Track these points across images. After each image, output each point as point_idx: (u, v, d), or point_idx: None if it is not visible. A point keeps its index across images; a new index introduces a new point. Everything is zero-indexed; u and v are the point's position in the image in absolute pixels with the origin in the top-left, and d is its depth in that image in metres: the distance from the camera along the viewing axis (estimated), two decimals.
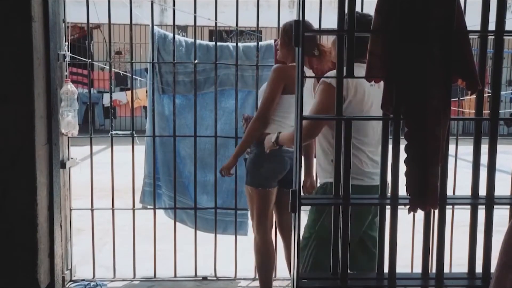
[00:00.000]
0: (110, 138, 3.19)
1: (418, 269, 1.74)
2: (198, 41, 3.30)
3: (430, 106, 1.54)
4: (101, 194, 3.47)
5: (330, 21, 2.33)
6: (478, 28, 1.66)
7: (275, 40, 3.31)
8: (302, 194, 1.67)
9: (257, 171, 2.74)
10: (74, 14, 3.69)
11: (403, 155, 1.60)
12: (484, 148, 1.70)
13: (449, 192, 1.74)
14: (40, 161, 2.72)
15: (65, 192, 3.07)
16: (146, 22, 3.65)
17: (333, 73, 2.17)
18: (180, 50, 3.37)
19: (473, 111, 1.77)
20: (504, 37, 1.68)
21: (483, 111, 1.74)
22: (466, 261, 1.75)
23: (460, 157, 3.12)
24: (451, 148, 1.87)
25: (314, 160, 2.72)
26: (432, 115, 1.54)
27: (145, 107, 9.89)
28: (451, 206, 2.76)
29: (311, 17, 2.62)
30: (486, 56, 1.71)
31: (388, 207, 1.69)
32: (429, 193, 1.57)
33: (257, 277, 3.24)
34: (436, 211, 1.68)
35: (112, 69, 4.25)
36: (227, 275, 3.30)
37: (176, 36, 3.24)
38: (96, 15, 3.35)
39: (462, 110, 9.65)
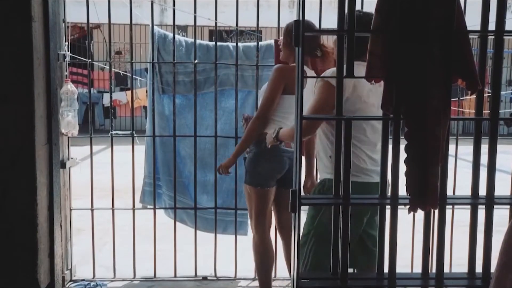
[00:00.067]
0: (110, 138, 3.19)
1: (418, 269, 1.74)
2: (198, 41, 3.30)
3: (430, 106, 1.54)
4: (101, 194, 3.47)
5: (330, 21, 2.33)
6: (478, 28, 1.66)
7: (275, 40, 3.31)
8: (302, 194, 1.67)
9: (255, 171, 2.75)
10: (74, 14, 3.69)
11: (403, 155, 1.60)
12: (484, 148, 1.70)
13: (449, 192, 1.74)
14: (40, 161, 2.72)
15: (65, 192, 3.07)
16: (146, 22, 3.65)
17: (331, 71, 2.19)
18: (180, 50, 3.37)
19: (473, 111, 1.77)
20: (504, 37, 1.68)
21: (483, 111, 1.74)
22: (466, 261, 1.74)
23: (460, 157, 3.12)
24: (451, 148, 1.87)
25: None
26: (432, 115, 1.54)
27: (145, 107, 9.89)
28: (451, 206, 2.76)
29: (311, 17, 2.62)
30: (486, 56, 1.71)
31: (388, 207, 1.69)
32: (429, 193, 1.57)
33: (257, 277, 3.25)
34: (436, 211, 1.68)
35: (112, 69, 4.25)
36: (227, 275, 3.30)
37: (176, 36, 3.24)
38: (96, 15, 3.35)
39: (462, 110, 9.65)
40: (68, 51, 3.04)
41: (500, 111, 1.74)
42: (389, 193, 1.73)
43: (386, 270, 1.68)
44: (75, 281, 3.16)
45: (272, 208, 2.93)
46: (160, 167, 3.47)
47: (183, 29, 10.90)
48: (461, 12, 1.58)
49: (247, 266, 3.29)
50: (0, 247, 2.69)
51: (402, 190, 1.62)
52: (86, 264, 3.31)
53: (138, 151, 3.22)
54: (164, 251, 3.37)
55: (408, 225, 2.97)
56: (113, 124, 3.60)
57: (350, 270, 1.84)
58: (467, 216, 1.76)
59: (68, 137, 3.09)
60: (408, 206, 1.60)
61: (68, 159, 3.11)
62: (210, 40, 8.32)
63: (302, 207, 1.65)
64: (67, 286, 3.10)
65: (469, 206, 1.74)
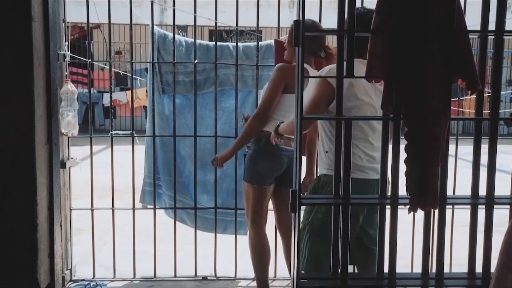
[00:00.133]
0: (110, 138, 3.19)
1: (418, 269, 1.74)
2: (198, 41, 3.30)
3: (430, 106, 1.54)
4: (101, 194, 3.47)
5: (330, 21, 2.33)
6: (478, 28, 1.66)
7: (275, 40, 3.31)
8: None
9: (254, 168, 2.77)
10: (74, 14, 3.69)
11: (403, 155, 1.60)
12: (484, 148, 1.70)
13: (449, 192, 1.74)
14: (40, 161, 2.72)
15: (65, 192, 3.07)
16: (146, 22, 3.65)
17: (327, 68, 2.20)
18: (180, 50, 3.37)
19: (473, 111, 1.77)
20: (504, 37, 1.68)
21: (483, 111, 1.74)
22: (466, 261, 1.74)
23: (460, 157, 3.12)
24: (451, 148, 1.87)
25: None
26: (432, 115, 1.54)
27: (145, 107, 9.90)
28: (451, 206, 2.76)
29: (311, 17, 2.63)
30: (486, 56, 1.71)
31: (388, 206, 1.69)
32: (429, 193, 1.57)
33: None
34: (436, 211, 1.68)
35: (112, 69, 4.25)
36: (227, 275, 3.30)
37: (176, 36, 3.24)
38: (96, 15, 3.34)
39: (462, 110, 9.65)
40: (68, 51, 3.04)
41: (500, 111, 1.74)
42: (388, 192, 1.73)
43: (386, 270, 1.68)
44: (75, 281, 3.16)
45: (272, 207, 2.94)
46: (160, 167, 3.47)
47: (183, 29, 10.90)
48: (461, 12, 1.58)
49: (247, 266, 3.28)
50: (0, 247, 2.69)
51: (402, 190, 1.62)
52: (86, 264, 3.31)
53: (138, 151, 3.22)
54: (164, 251, 3.37)
55: (408, 225, 2.97)
56: (113, 124, 3.60)
57: (350, 268, 1.84)
58: (467, 216, 1.76)
59: (68, 137, 3.09)
60: (408, 206, 1.60)
61: (68, 159, 3.11)
62: (210, 40, 8.32)
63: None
64: (67, 286, 3.10)
65: (469, 206, 1.74)
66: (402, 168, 1.59)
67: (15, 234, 2.69)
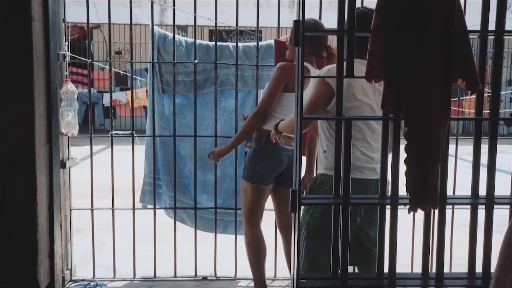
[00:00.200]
0: (110, 138, 3.19)
1: (418, 269, 1.74)
2: (198, 41, 3.30)
3: (430, 106, 1.54)
4: (101, 194, 3.46)
5: (330, 21, 2.33)
6: (478, 28, 1.66)
7: (275, 40, 3.31)
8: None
9: (253, 167, 2.78)
10: (74, 14, 3.68)
11: (403, 155, 1.60)
12: (484, 148, 1.70)
13: (449, 192, 1.74)
14: (40, 161, 2.72)
15: (65, 192, 3.07)
16: (146, 22, 3.65)
17: (326, 69, 2.20)
18: (180, 50, 3.37)
19: (473, 111, 1.77)
20: (504, 37, 1.68)
21: (483, 111, 1.74)
22: (466, 261, 1.74)
23: (460, 157, 3.12)
24: (451, 148, 1.87)
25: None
26: (432, 115, 1.54)
27: (145, 107, 9.90)
28: (451, 206, 2.76)
29: (311, 17, 2.63)
30: (486, 56, 1.71)
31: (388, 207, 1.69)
32: (429, 193, 1.57)
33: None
34: (436, 211, 1.68)
35: (112, 69, 4.25)
36: (227, 275, 3.30)
37: (176, 36, 3.24)
38: (96, 15, 3.34)
39: (462, 110, 9.65)
40: (68, 51, 3.04)
41: (500, 111, 1.74)
42: (387, 193, 1.73)
43: (386, 270, 1.68)
44: (75, 281, 3.16)
45: (273, 206, 2.94)
46: (160, 167, 3.47)
47: (183, 29, 10.90)
48: (461, 12, 1.58)
49: (247, 266, 3.28)
50: (0, 247, 2.69)
51: (402, 190, 1.62)
52: (86, 264, 3.31)
53: (138, 151, 3.22)
54: (164, 251, 3.37)
55: (408, 225, 2.97)
56: (113, 124, 3.60)
57: (350, 268, 1.84)
58: (467, 216, 1.76)
59: (68, 137, 3.09)
60: (408, 206, 1.60)
61: (68, 159, 3.11)
62: (210, 40, 8.32)
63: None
64: (67, 286, 3.10)
65: (469, 206, 1.74)
66: (402, 168, 1.59)
67: (15, 234, 2.69)
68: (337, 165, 1.68)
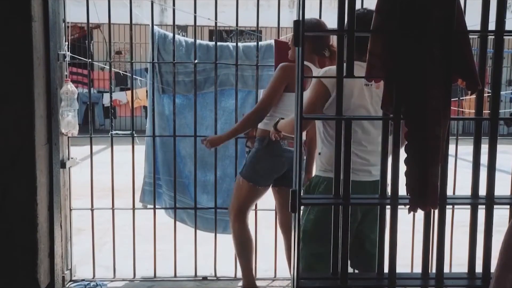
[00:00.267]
0: (110, 138, 3.19)
1: (418, 269, 1.74)
2: (198, 41, 3.30)
3: (430, 106, 1.54)
4: (101, 194, 3.46)
5: (330, 21, 2.33)
6: (478, 28, 1.66)
7: (275, 40, 3.31)
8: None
9: (254, 167, 2.79)
10: (74, 14, 3.68)
11: (403, 155, 1.60)
12: (484, 148, 1.70)
13: (449, 192, 1.74)
14: (40, 161, 2.72)
15: (65, 192, 3.07)
16: (146, 22, 3.65)
17: (324, 70, 2.20)
18: (180, 50, 3.37)
19: (473, 111, 1.77)
20: (504, 37, 1.68)
21: (483, 111, 1.74)
22: (466, 261, 1.74)
23: (460, 157, 3.12)
24: (451, 148, 1.87)
25: None
26: (432, 115, 1.54)
27: (145, 107, 9.90)
28: (451, 206, 2.76)
29: (311, 17, 2.63)
30: (486, 56, 1.71)
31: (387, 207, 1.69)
32: (429, 193, 1.57)
33: (257, 276, 3.25)
34: (436, 211, 1.68)
35: (112, 69, 4.25)
36: (227, 275, 3.30)
37: (176, 36, 3.24)
38: (96, 15, 3.34)
39: (462, 110, 9.65)
40: (68, 51, 3.04)
41: (500, 111, 1.74)
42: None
43: (386, 270, 1.68)
44: (75, 281, 3.16)
45: (276, 207, 2.96)
46: (160, 166, 3.47)
47: (183, 29, 10.90)
48: (461, 12, 1.58)
49: None
50: (0, 247, 2.69)
51: (402, 190, 1.62)
52: (86, 264, 3.31)
53: (138, 151, 3.22)
54: (164, 251, 3.37)
55: (408, 225, 2.97)
56: (113, 124, 3.60)
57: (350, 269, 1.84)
58: (467, 216, 1.76)
59: (68, 137, 3.09)
60: (408, 206, 1.60)
61: (68, 159, 3.11)
62: (210, 40, 8.31)
63: None
64: (67, 286, 3.10)
65: (469, 206, 1.74)
66: (402, 168, 1.59)
67: (15, 234, 2.69)
68: (336, 165, 1.68)
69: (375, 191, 2.11)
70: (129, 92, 10.44)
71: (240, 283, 3.26)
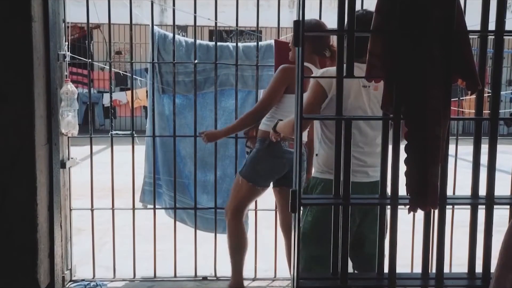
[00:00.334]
0: (110, 138, 3.19)
1: (418, 269, 1.74)
2: (198, 41, 3.30)
3: (430, 106, 1.54)
4: (101, 194, 3.46)
5: (330, 21, 2.33)
6: (478, 28, 1.66)
7: (275, 40, 3.31)
8: None
9: (253, 167, 2.79)
10: (74, 14, 3.68)
11: (403, 155, 1.60)
12: (484, 148, 1.70)
13: (449, 192, 1.74)
14: (40, 161, 2.72)
15: (65, 192, 3.07)
16: (146, 22, 3.65)
17: (322, 71, 2.20)
18: (180, 50, 3.37)
19: (473, 111, 1.77)
20: (504, 37, 1.68)
21: (483, 111, 1.74)
22: (466, 261, 1.74)
23: (460, 157, 3.12)
24: (451, 148, 1.87)
25: None
26: (432, 115, 1.54)
27: (145, 107, 9.90)
28: (451, 206, 2.76)
29: (311, 17, 2.63)
30: (486, 56, 1.71)
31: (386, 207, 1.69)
32: (429, 193, 1.57)
33: (257, 276, 3.26)
34: (436, 211, 1.68)
35: (112, 69, 4.25)
36: (227, 275, 3.29)
37: (176, 36, 3.24)
38: (96, 15, 3.34)
39: (462, 110, 9.65)
40: (68, 51, 3.04)
41: (500, 111, 1.74)
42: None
43: (386, 270, 1.68)
44: (75, 281, 3.16)
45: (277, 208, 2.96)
46: (160, 167, 3.47)
47: (183, 29, 10.90)
48: (461, 12, 1.58)
49: (247, 266, 3.28)
50: (0, 247, 2.69)
51: (402, 190, 1.62)
52: (86, 264, 3.31)
53: (138, 151, 3.22)
54: (164, 251, 3.37)
55: (408, 225, 2.97)
56: (113, 124, 3.60)
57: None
58: (467, 216, 1.76)
59: (68, 137, 3.09)
60: (408, 206, 1.60)
61: (68, 159, 3.11)
62: (210, 40, 8.31)
63: None
64: (67, 286, 3.09)
65: (469, 206, 1.74)
66: (402, 168, 1.59)
67: (15, 234, 2.69)
68: (336, 166, 1.68)
69: (372, 192, 2.11)
70: (129, 92, 10.44)
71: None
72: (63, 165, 3.01)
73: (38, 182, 2.70)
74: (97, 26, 11.10)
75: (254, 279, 3.26)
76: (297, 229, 1.62)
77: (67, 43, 3.04)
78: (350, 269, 1.96)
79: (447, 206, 1.69)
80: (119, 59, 12.14)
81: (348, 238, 1.67)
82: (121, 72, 9.39)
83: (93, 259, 3.22)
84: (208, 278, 3.28)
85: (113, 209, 3.23)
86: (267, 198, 3.10)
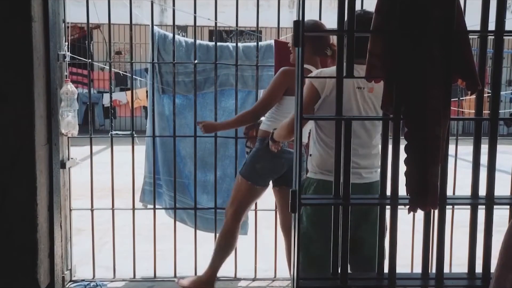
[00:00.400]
0: (110, 138, 3.19)
1: (418, 269, 1.74)
2: (198, 41, 3.30)
3: (430, 106, 1.54)
4: (101, 194, 3.46)
5: (330, 21, 2.33)
6: (478, 28, 1.66)
7: (275, 40, 3.31)
8: None
9: (253, 166, 2.80)
10: (74, 14, 3.68)
11: (403, 155, 1.60)
12: (484, 148, 1.70)
13: (449, 192, 1.74)
14: (40, 161, 2.72)
15: (65, 192, 3.07)
16: (146, 22, 3.65)
17: (317, 72, 2.20)
18: (180, 50, 3.37)
19: (473, 111, 1.77)
20: (504, 37, 1.68)
21: (483, 111, 1.74)
22: (466, 261, 1.75)
23: (460, 157, 3.12)
24: (451, 148, 1.87)
25: None
26: (432, 115, 1.54)
27: (145, 107, 9.91)
28: (451, 206, 2.76)
29: (311, 17, 2.62)
30: (486, 56, 1.71)
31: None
32: (429, 193, 1.57)
33: (257, 276, 3.26)
34: (436, 211, 1.68)
35: (112, 69, 4.25)
36: (227, 275, 3.30)
37: (176, 36, 3.24)
38: (96, 15, 3.34)
39: (462, 110, 9.66)
40: (68, 51, 3.04)
41: (500, 111, 1.74)
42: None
43: (386, 270, 1.68)
44: (75, 281, 3.16)
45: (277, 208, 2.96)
46: (161, 167, 3.47)
47: (183, 29, 10.90)
48: (461, 12, 1.58)
49: (247, 266, 3.29)
50: (0, 247, 2.69)
51: (402, 190, 1.62)
52: (86, 265, 3.31)
53: (138, 151, 3.22)
54: (164, 251, 3.37)
55: (408, 225, 2.97)
56: (113, 124, 3.60)
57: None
58: (467, 216, 1.76)
59: (68, 137, 3.09)
60: (408, 206, 1.60)
61: (68, 159, 3.11)
62: (210, 40, 8.31)
63: None
64: (67, 286, 3.10)
65: (469, 206, 1.74)
66: (402, 168, 1.59)
67: (15, 234, 2.69)
68: (336, 166, 1.68)
69: (365, 194, 2.11)
70: (129, 92, 10.45)
71: (240, 283, 3.26)
72: (63, 165, 3.01)
73: (38, 182, 2.70)
74: (97, 26, 11.10)
75: (254, 279, 3.27)
76: (297, 229, 1.62)
77: (67, 43, 3.04)
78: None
79: (447, 206, 1.69)
80: (119, 59, 12.14)
81: (348, 238, 1.67)
82: (121, 72, 9.39)
83: (93, 259, 3.22)
84: None
85: (113, 209, 3.23)
86: (267, 198, 3.10)
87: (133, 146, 3.18)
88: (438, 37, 1.53)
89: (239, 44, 3.28)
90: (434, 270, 1.70)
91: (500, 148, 1.73)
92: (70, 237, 3.17)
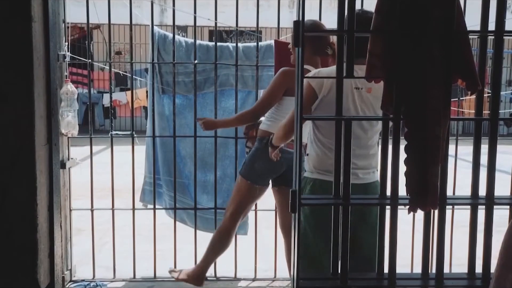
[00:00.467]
0: (110, 138, 3.19)
1: (418, 269, 1.74)
2: (198, 41, 3.30)
3: (430, 106, 1.54)
4: (101, 194, 3.46)
5: (330, 21, 2.33)
6: (478, 28, 1.66)
7: (275, 40, 3.31)
8: None
9: (252, 166, 2.81)
10: (74, 14, 3.68)
11: (403, 155, 1.60)
12: (484, 148, 1.70)
13: (449, 192, 1.74)
14: (40, 161, 2.72)
15: (65, 192, 3.07)
16: (146, 22, 3.65)
17: (314, 72, 2.20)
18: (180, 50, 3.37)
19: (473, 111, 1.77)
20: (504, 37, 1.68)
21: (483, 111, 1.74)
22: (466, 261, 1.75)
23: (460, 157, 3.12)
24: (451, 148, 1.87)
25: None
26: (432, 115, 1.54)
27: (145, 107, 9.91)
28: (451, 206, 2.76)
29: (311, 17, 2.63)
30: (486, 56, 1.71)
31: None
32: (429, 193, 1.57)
33: (257, 276, 3.26)
34: (436, 211, 1.68)
35: (112, 69, 4.25)
36: (227, 275, 3.30)
37: (176, 36, 3.24)
38: (96, 15, 3.34)
39: (462, 110, 9.66)
40: (68, 51, 3.04)
41: (500, 111, 1.74)
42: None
43: (386, 270, 1.68)
44: (75, 281, 3.16)
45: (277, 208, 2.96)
46: (161, 167, 3.47)
47: (183, 29, 10.90)
48: (461, 12, 1.58)
49: (247, 266, 3.29)
50: (0, 247, 2.69)
51: (402, 190, 1.62)
52: (86, 265, 3.31)
53: (138, 151, 3.22)
54: (164, 251, 3.37)
55: (408, 225, 2.97)
56: (113, 124, 3.60)
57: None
58: (467, 216, 1.76)
59: (68, 137, 3.09)
60: (408, 206, 1.60)
61: (68, 159, 3.11)
62: (210, 40, 8.31)
63: None
64: (67, 286, 3.09)
65: (469, 206, 1.74)
66: (402, 168, 1.59)
67: (15, 234, 2.69)
68: (336, 166, 1.68)
69: (362, 194, 2.10)
70: (129, 93, 10.45)
71: (240, 283, 3.27)
72: (63, 165, 3.01)
73: (38, 182, 2.70)
74: (97, 26, 11.10)
75: (254, 279, 3.27)
76: (297, 229, 1.62)
77: (67, 43, 3.04)
78: None
79: (447, 206, 1.69)
80: (119, 59, 12.14)
81: (348, 238, 1.67)
82: (121, 72, 9.39)
83: (93, 259, 3.22)
84: (208, 278, 3.28)
85: (113, 209, 3.23)
86: (267, 198, 3.10)
87: (133, 146, 3.18)
88: (438, 37, 1.53)
89: (239, 44, 3.28)
90: (434, 270, 1.70)
91: (500, 148, 1.73)
92: (70, 237, 3.17)
